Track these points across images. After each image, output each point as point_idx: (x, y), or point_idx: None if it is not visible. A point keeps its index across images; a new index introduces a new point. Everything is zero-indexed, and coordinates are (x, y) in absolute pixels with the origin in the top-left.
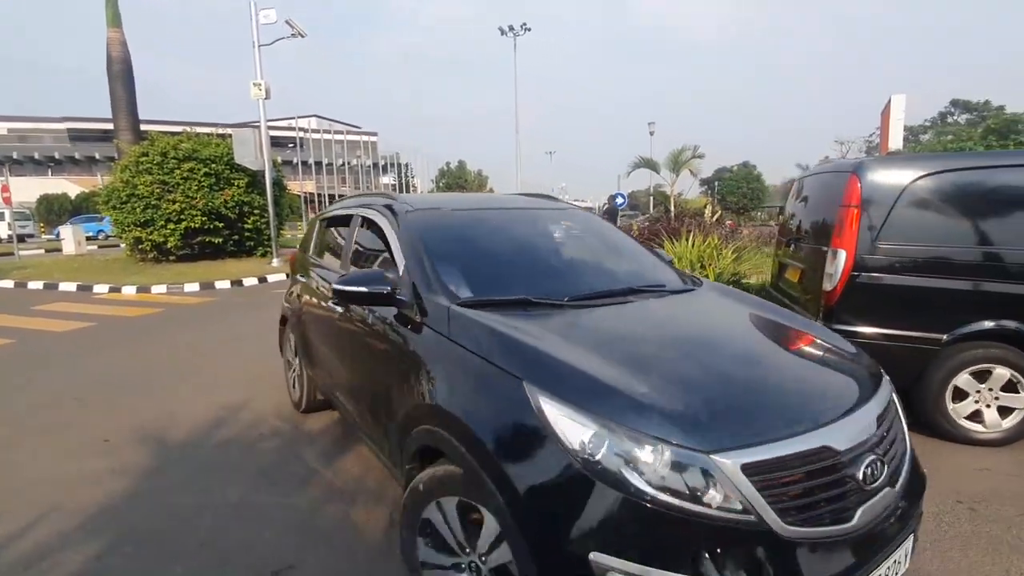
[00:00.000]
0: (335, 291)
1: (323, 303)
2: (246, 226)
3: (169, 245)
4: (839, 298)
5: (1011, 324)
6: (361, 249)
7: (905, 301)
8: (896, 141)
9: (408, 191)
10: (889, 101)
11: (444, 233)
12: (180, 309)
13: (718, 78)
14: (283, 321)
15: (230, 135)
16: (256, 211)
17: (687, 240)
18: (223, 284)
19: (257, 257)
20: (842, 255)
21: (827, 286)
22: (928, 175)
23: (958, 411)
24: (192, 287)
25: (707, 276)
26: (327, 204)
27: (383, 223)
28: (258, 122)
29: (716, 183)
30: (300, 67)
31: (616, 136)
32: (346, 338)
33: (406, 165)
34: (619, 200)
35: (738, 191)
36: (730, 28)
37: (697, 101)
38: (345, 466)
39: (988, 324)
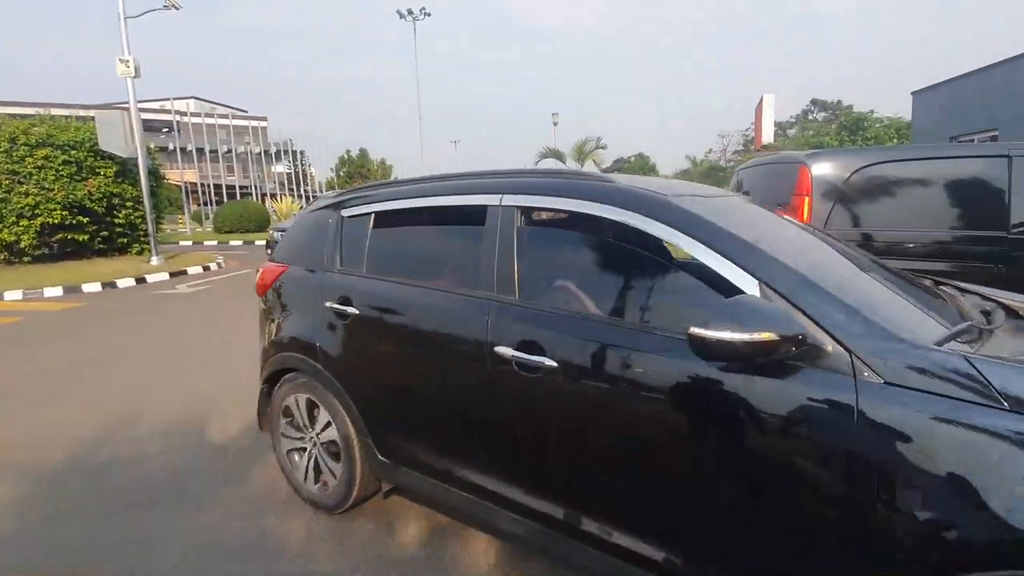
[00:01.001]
0: (708, 342)
1: (460, 352)
2: (117, 220)
3: (22, 244)
4: None
5: None
6: (553, 264)
7: None
8: (768, 135)
9: (305, 180)
10: (761, 99)
11: (769, 234)
12: (41, 317)
13: (609, 72)
14: (272, 379)
15: (93, 118)
16: (129, 203)
17: None
18: (92, 287)
19: (132, 255)
20: None
21: None
22: (868, 166)
23: None
24: (54, 291)
25: None
26: (212, 195)
27: (624, 216)
28: (126, 103)
29: (616, 173)
30: (177, 44)
31: (519, 127)
32: (580, 416)
33: (301, 152)
34: None
35: None
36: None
37: (593, 94)
38: (255, 478)
39: None
